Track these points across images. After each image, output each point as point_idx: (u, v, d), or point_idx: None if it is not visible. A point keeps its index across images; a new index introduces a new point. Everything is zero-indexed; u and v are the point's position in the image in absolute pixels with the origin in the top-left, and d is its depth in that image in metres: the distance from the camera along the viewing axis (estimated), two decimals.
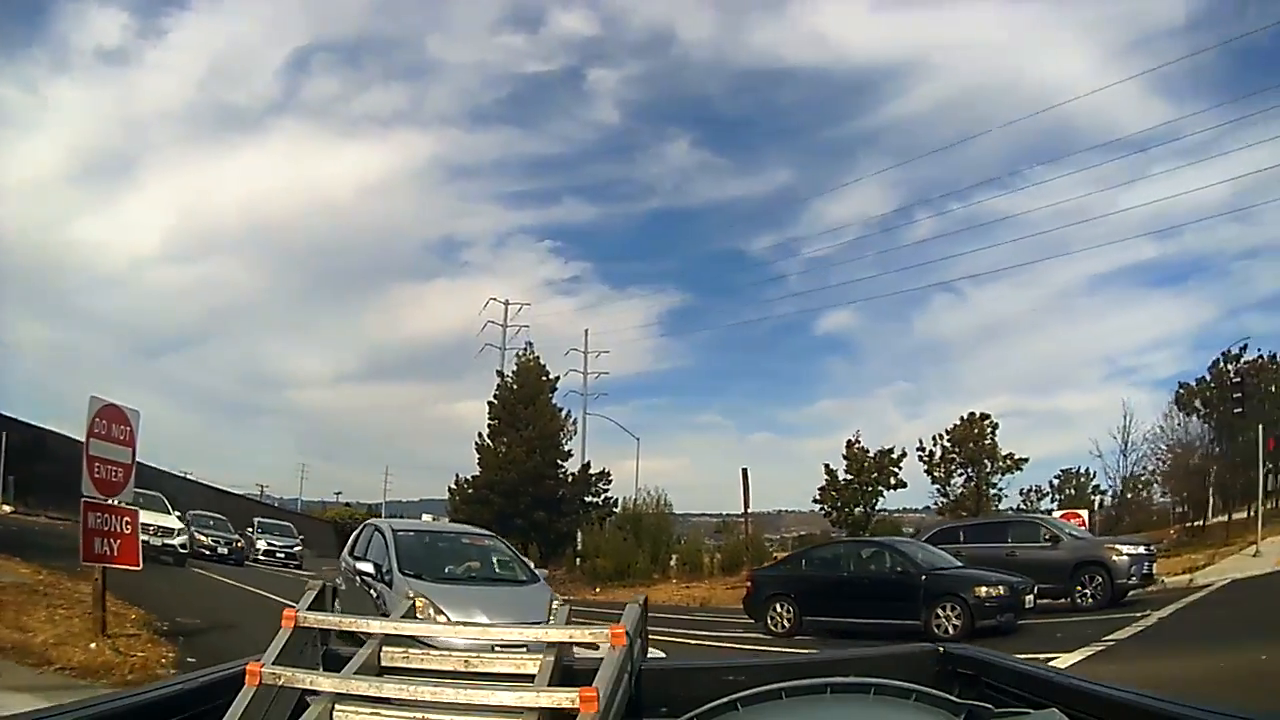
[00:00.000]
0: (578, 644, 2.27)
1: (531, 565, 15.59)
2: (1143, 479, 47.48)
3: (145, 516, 22.06)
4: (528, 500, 43.31)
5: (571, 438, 48.25)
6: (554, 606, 9.60)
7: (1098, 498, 49.08)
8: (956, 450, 45.44)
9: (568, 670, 2.22)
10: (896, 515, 45.90)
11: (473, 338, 61.00)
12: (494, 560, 14.63)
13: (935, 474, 45.50)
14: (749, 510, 43.33)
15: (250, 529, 43.12)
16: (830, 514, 44.86)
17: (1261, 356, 45.63)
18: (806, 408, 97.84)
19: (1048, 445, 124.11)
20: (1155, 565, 22.55)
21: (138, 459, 13.23)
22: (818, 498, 45.26)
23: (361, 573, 13.30)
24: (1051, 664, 12.91)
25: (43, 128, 78.39)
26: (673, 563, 41.23)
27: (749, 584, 21.91)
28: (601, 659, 2.03)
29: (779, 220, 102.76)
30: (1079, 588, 20.54)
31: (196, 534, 33.13)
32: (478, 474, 46.54)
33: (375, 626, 2.27)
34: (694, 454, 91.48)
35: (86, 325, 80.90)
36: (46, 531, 25.58)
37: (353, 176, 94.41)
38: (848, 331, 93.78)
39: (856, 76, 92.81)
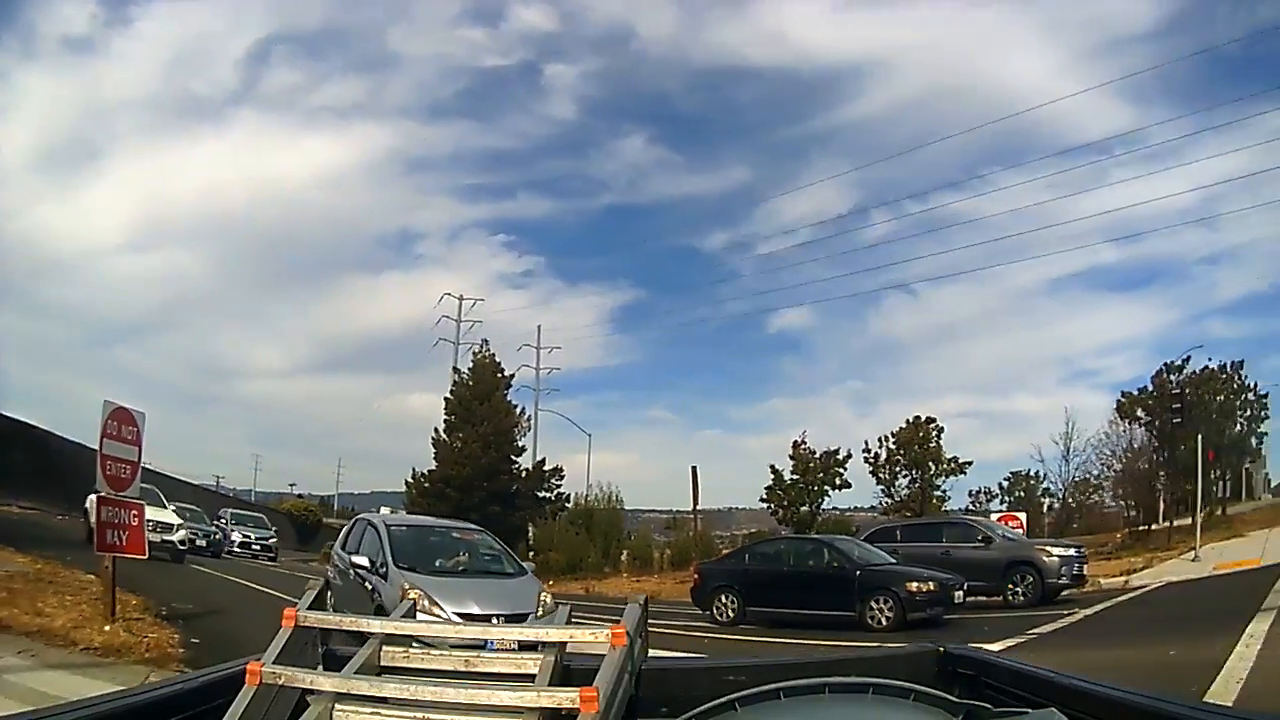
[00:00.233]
0: (578, 644, 2.27)
1: (518, 558, 15.93)
2: (1093, 483, 48.31)
3: (147, 512, 22.51)
4: (482, 495, 43.52)
5: (526, 434, 48.73)
6: (542, 598, 10.22)
7: (1047, 500, 50.49)
8: (901, 452, 46.00)
9: (568, 670, 2.25)
10: (849, 514, 46.50)
11: (425, 330, 61.34)
12: (483, 553, 15.05)
13: (880, 475, 46.09)
14: (699, 507, 44.10)
15: (221, 520, 42.56)
16: (777, 513, 45.28)
17: (1209, 366, 47.30)
18: (758, 405, 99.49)
19: (1003, 447, 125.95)
20: (1087, 566, 23.42)
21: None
22: (764, 497, 45.79)
23: (357, 566, 13.55)
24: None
25: (5, 115, 77.50)
26: (624, 558, 41.70)
27: (696, 576, 22.74)
28: (601, 659, 2.05)
29: (734, 218, 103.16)
30: (1011, 586, 21.43)
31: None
32: (434, 468, 46.80)
33: (375, 626, 2.29)
34: (645, 450, 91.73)
35: (42, 313, 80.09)
36: (26, 522, 26.03)
37: (309, 168, 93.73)
38: (801, 330, 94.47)
39: (815, 76, 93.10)
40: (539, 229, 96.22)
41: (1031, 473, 51.11)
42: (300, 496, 79.57)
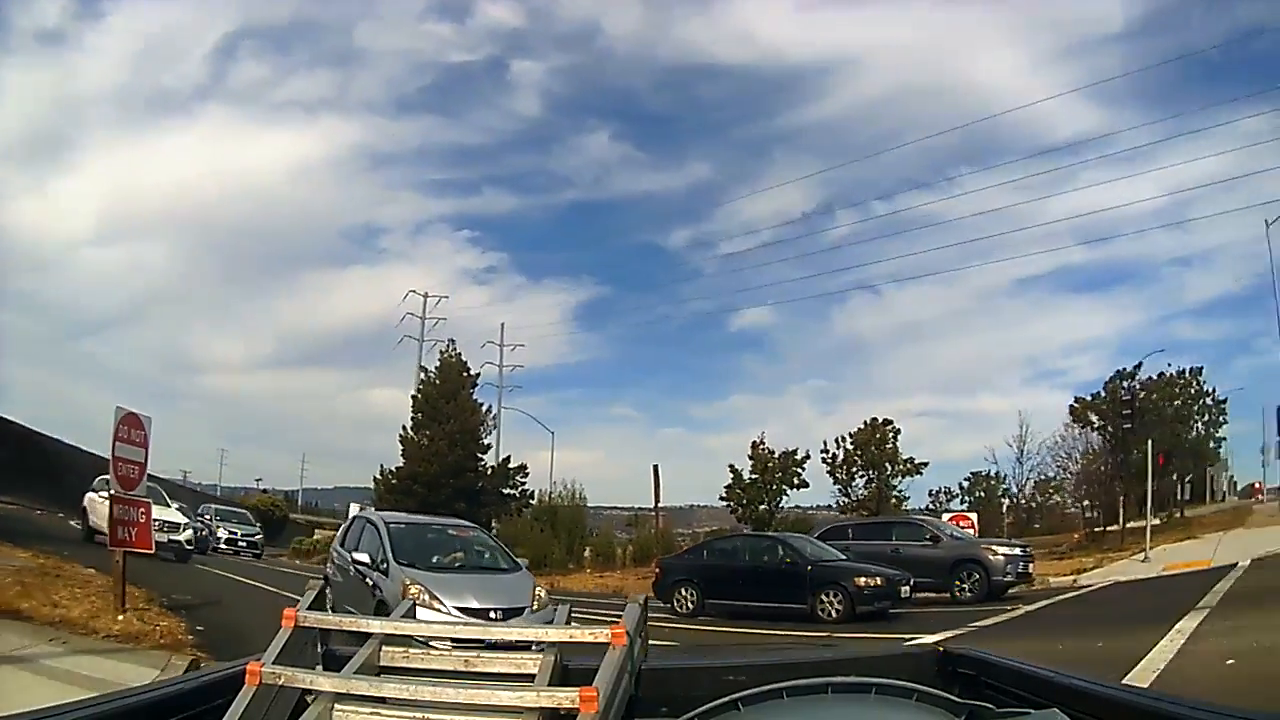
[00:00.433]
0: (578, 644, 2.26)
1: (512, 554, 16.36)
2: (1052, 485, 49.45)
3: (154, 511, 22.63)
4: (449, 492, 43.98)
5: (491, 432, 49.47)
6: (537, 593, 10.61)
7: (1008, 501, 50.81)
8: (859, 453, 47.00)
9: (568, 670, 2.25)
10: (810, 512, 47.07)
11: (389, 326, 61.67)
12: (479, 549, 15.49)
13: (837, 475, 47.19)
14: (660, 505, 44.58)
15: (205, 516, 41.73)
16: (736, 511, 46.04)
17: (1165, 373, 47.96)
18: (720, 403, 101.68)
19: (968, 446, 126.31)
20: (1034, 565, 24.29)
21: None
22: (724, 495, 46.58)
23: (358, 563, 13.92)
24: (912, 641, 14.32)
25: None
26: (587, 554, 42.11)
27: (658, 570, 23.67)
28: (601, 659, 2.04)
29: (698, 216, 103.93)
30: (958, 582, 22.28)
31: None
32: (401, 465, 47.34)
33: (375, 626, 2.29)
34: (607, 447, 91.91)
35: (11, 306, 79.22)
36: (11, 517, 26.06)
37: (276, 162, 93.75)
38: (764, 329, 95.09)
39: (782, 75, 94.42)
40: (503, 225, 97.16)
41: (992, 473, 52.09)
42: (265, 492, 79.24)
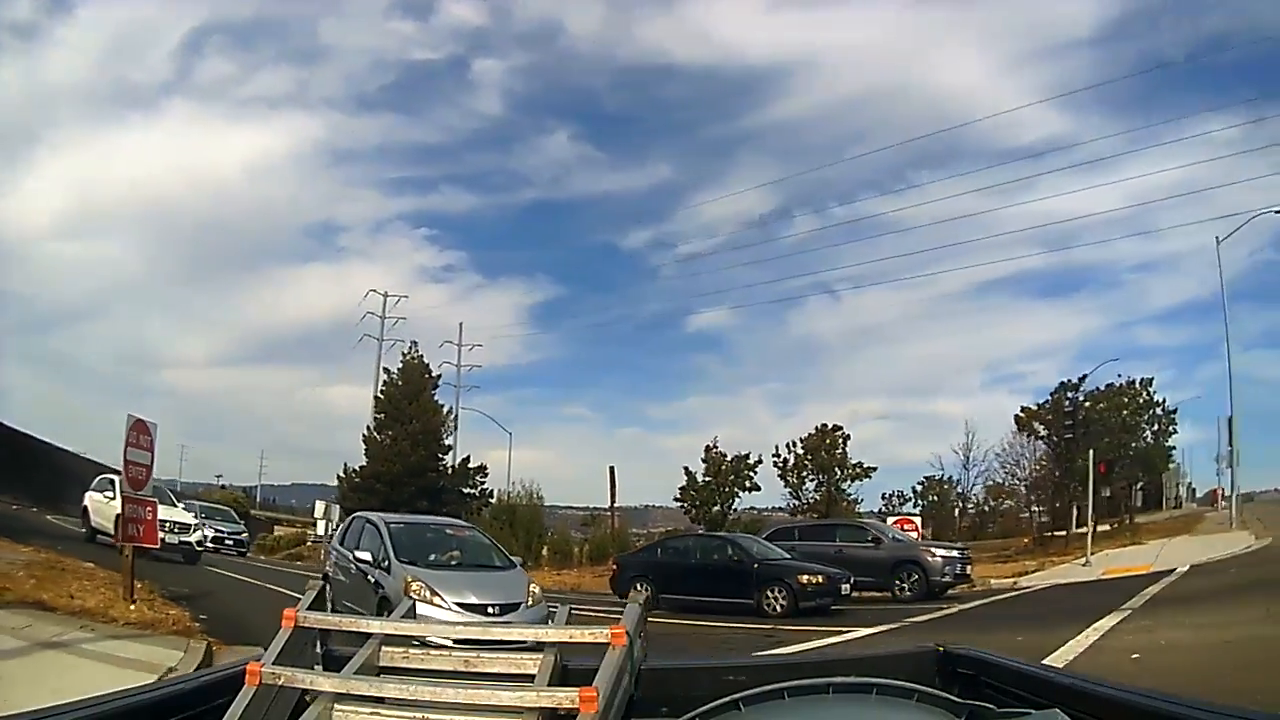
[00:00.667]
0: (578, 644, 2.27)
1: (507, 553, 16.94)
2: (1005, 489, 50.45)
3: (163, 513, 23.08)
4: (411, 491, 44.69)
5: (453, 433, 50.43)
6: (531, 589, 11.41)
7: (961, 505, 52.39)
8: (809, 458, 48.25)
9: (568, 670, 2.25)
10: (765, 514, 47.88)
11: (347, 323, 62.09)
12: (475, 548, 16.11)
13: (788, 479, 48.42)
14: (616, 505, 45.50)
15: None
16: (690, 512, 47.06)
17: (1114, 383, 48.89)
18: (677, 404, 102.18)
19: (926, 449, 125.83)
20: (972, 567, 25.30)
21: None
22: (679, 496, 47.65)
23: (360, 561, 14.56)
24: (850, 635, 15.36)
25: None
26: (544, 552, 42.79)
27: (615, 567, 25.04)
28: (601, 659, 2.04)
29: (657, 217, 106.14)
30: (898, 582, 23.41)
31: None
32: (365, 464, 48.02)
33: (375, 626, 2.31)
34: (563, 446, 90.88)
35: None
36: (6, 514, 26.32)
37: (238, 158, 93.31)
38: (722, 330, 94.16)
39: (743, 76, 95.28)
40: (462, 224, 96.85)
41: (945, 478, 52.65)
42: (223, 488, 78.97)
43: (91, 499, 24.87)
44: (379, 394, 49.81)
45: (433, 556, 14.87)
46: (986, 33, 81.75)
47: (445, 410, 50.61)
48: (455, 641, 2.58)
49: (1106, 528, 43.44)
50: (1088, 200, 77.55)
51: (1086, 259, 78.42)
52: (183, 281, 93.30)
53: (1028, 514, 49.05)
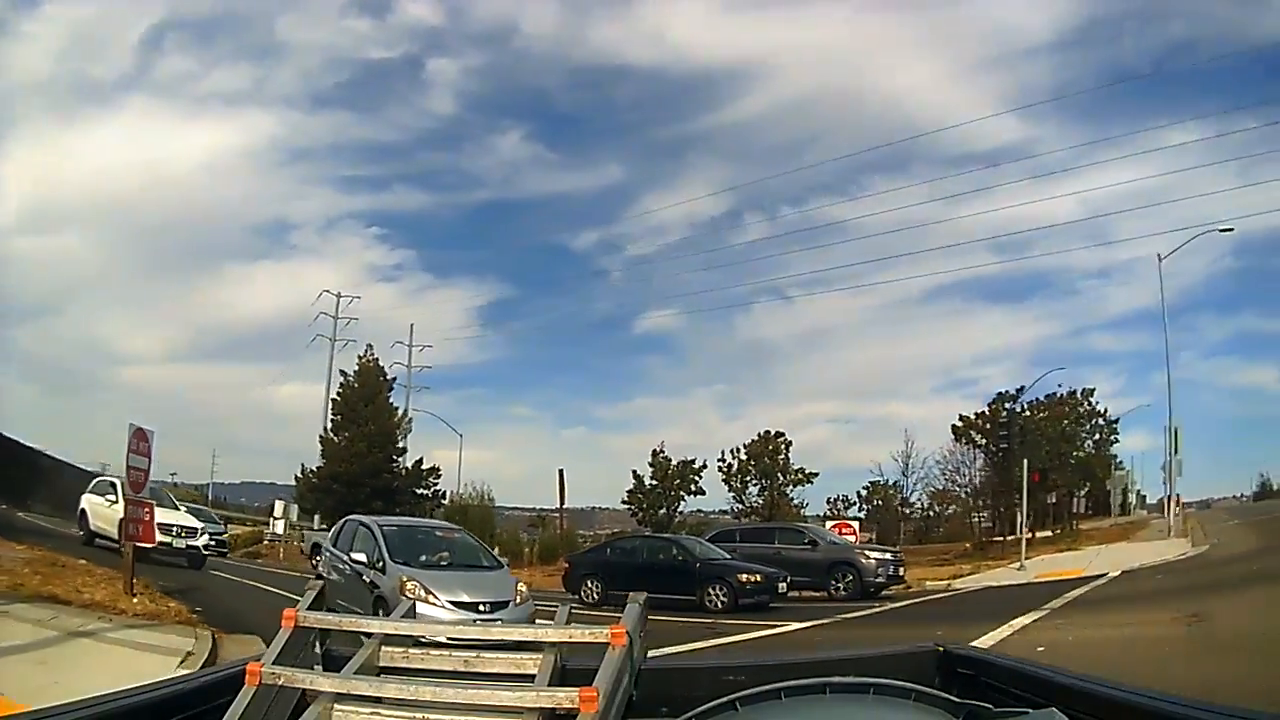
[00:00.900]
0: (578, 644, 2.28)
1: (494, 553, 17.87)
2: (949, 495, 51.58)
3: (169, 516, 23.63)
4: (367, 492, 45.09)
5: (407, 434, 50.93)
6: (519, 588, 13.47)
7: (906, 510, 53.28)
8: (752, 463, 49.59)
9: (568, 670, 2.24)
10: (713, 516, 49.36)
11: (297, 321, 61.63)
12: (463, 549, 16.75)
13: (732, 484, 49.74)
14: (564, 506, 46.40)
15: None
16: (637, 514, 48.42)
17: (1057, 392, 50.17)
18: (624, 405, 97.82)
19: (876, 452, 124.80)
20: (904, 569, 26.67)
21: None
22: (626, 499, 49.01)
23: (355, 562, 15.14)
24: (784, 629, 16.60)
25: None
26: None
27: (567, 565, 26.30)
28: (601, 659, 2.03)
29: (607, 217, 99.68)
30: (833, 582, 24.66)
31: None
32: (322, 465, 48.50)
33: (375, 626, 2.31)
34: (511, 447, 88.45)
35: None
36: None
37: (193, 154, 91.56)
38: (670, 332, 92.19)
39: (696, 78, 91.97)
40: (412, 222, 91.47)
41: (888, 483, 53.52)
42: (176, 485, 78.42)
43: (90, 502, 24.70)
44: (336, 396, 50.26)
45: (424, 557, 15.42)
46: (943, 37, 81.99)
47: (401, 413, 51.23)
48: (452, 640, 2.51)
49: (1049, 534, 44.89)
50: (1044, 206, 78.75)
51: (1042, 265, 77.95)
52: (136, 279, 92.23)
53: (973, 519, 50.36)
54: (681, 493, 48.31)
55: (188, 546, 24.84)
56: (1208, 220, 40.52)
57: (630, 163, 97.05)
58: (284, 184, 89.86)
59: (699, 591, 21.10)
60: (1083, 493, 51.15)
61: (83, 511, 24.91)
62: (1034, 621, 15.60)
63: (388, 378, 50.86)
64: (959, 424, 49.46)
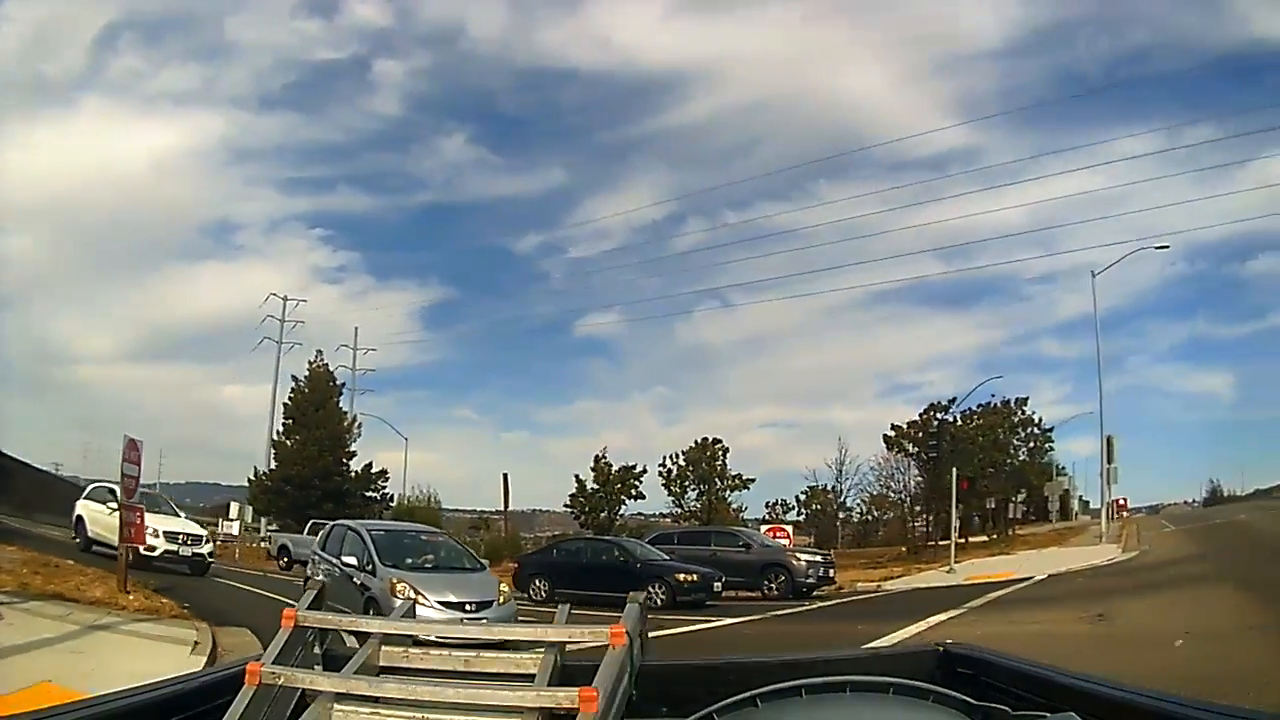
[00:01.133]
0: (577, 643, 2.29)
1: (476, 556, 18.70)
2: (887, 500, 52.79)
3: (174, 524, 24.49)
4: (318, 494, 46.14)
5: (357, 439, 51.76)
6: (501, 588, 15.46)
7: (844, 514, 54.57)
8: (690, 469, 51.06)
9: (568, 670, 2.21)
10: (653, 519, 50.71)
11: (242, 321, 61.85)
12: (449, 552, 17.66)
13: (672, 488, 51.13)
14: (508, 509, 47.64)
15: None
16: (580, 517, 49.44)
17: (989, 402, 51.60)
18: (566, 408, 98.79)
19: (818, 457, 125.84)
20: (834, 570, 27.93)
21: None
22: (569, 503, 50.08)
23: (346, 565, 15.74)
24: (718, 624, 17.82)
25: None
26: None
27: (515, 565, 27.55)
28: (600, 659, 2.03)
29: (549, 221, 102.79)
30: (766, 582, 26.02)
31: None
32: (275, 468, 49.38)
33: (374, 626, 2.30)
34: (455, 450, 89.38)
35: None
36: None
37: (142, 154, 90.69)
38: (611, 335, 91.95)
39: (640, 82, 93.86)
40: (356, 224, 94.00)
41: (825, 487, 54.13)
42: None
43: (88, 509, 24.66)
44: (287, 400, 51.01)
45: (411, 560, 16.21)
46: (891, 43, 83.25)
47: (351, 418, 52.19)
48: (451, 639, 2.51)
49: (985, 539, 46.15)
50: (990, 212, 78.46)
51: (989, 271, 79.67)
52: (85, 277, 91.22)
53: (910, 524, 51.28)
54: (623, 497, 49.45)
55: (193, 554, 25.00)
56: (1159, 227, 41.75)
57: (574, 166, 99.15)
58: (231, 184, 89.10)
59: (640, 590, 21.89)
60: (1020, 499, 51.76)
61: (79, 518, 24.93)
62: (949, 619, 16.54)
63: (336, 383, 51.81)
64: (890, 434, 50.49)
